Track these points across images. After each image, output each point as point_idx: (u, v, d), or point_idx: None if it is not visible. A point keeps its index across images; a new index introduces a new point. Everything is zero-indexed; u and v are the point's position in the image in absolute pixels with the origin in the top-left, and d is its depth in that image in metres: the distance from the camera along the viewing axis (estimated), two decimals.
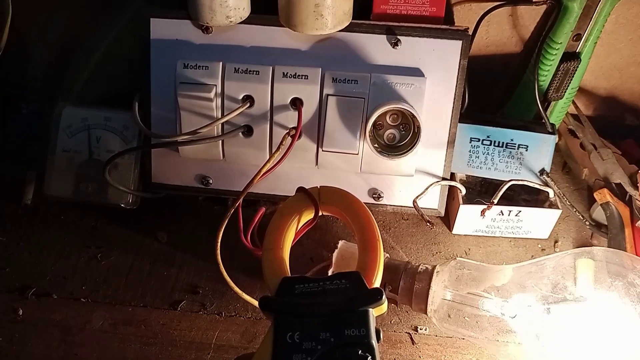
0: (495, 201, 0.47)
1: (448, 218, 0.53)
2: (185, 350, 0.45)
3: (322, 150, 0.47)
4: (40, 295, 0.48)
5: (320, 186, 0.39)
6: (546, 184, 0.49)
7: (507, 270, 0.42)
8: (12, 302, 0.47)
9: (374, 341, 0.32)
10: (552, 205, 0.50)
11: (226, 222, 0.43)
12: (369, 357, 0.31)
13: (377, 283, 0.36)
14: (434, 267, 0.44)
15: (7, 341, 0.45)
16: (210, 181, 0.51)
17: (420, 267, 0.44)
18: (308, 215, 0.39)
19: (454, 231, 0.52)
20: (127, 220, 0.53)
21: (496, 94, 0.57)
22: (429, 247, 0.52)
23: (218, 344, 0.45)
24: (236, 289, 0.43)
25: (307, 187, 0.40)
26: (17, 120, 0.62)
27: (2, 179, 0.56)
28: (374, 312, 0.33)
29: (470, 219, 0.51)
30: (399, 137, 0.47)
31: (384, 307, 0.34)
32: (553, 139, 0.49)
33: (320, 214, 0.39)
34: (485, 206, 0.49)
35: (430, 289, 0.43)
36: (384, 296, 0.33)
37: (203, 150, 0.48)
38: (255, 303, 0.45)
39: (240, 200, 0.43)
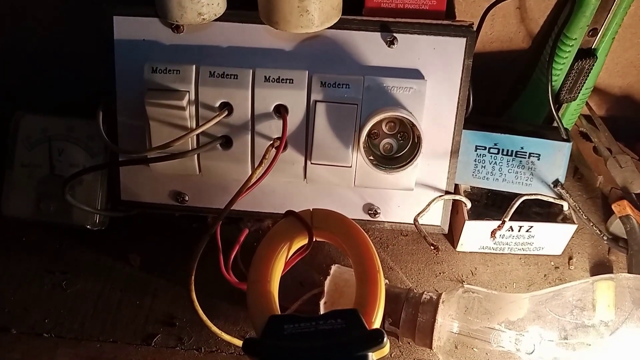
0: (507, 219, 0.42)
1: (452, 233, 0.48)
2: None
3: (311, 163, 0.42)
4: None
5: (312, 209, 0.34)
6: (561, 197, 0.44)
7: (523, 301, 0.37)
8: None
9: None
10: (567, 220, 0.45)
11: (203, 248, 0.38)
12: None
13: (377, 322, 0.31)
14: (439, 295, 0.39)
15: None
16: (187, 198, 0.46)
17: (424, 295, 0.39)
18: (299, 242, 0.34)
19: (459, 248, 0.47)
20: (95, 242, 0.48)
21: (501, 94, 0.52)
22: (431, 267, 0.47)
23: None
24: (215, 329, 0.38)
25: (297, 210, 0.35)
26: None
27: None
28: (374, 357, 0.29)
29: (476, 235, 0.46)
30: (396, 147, 0.42)
31: (385, 349, 0.29)
32: (568, 147, 0.44)
33: (314, 240, 0.34)
34: (494, 226, 0.44)
35: (435, 322, 0.38)
36: (385, 338, 0.29)
37: (177, 165, 0.42)
38: (238, 342, 0.40)
39: (219, 225, 0.38)
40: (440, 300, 0.38)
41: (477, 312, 0.37)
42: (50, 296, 0.45)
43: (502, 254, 0.47)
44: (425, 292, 0.40)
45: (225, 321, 0.43)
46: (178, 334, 0.43)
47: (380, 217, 0.46)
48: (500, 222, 0.42)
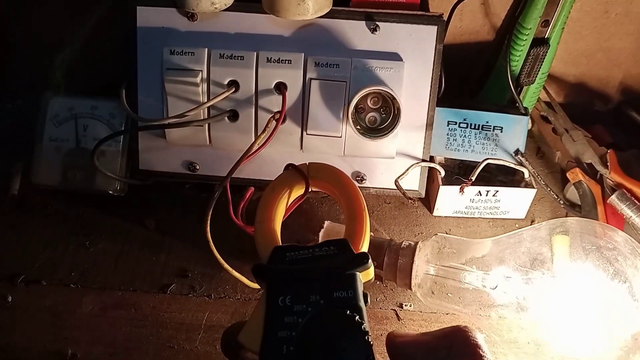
0: (473, 178, 0.49)
1: (428, 200, 0.55)
2: (176, 332, 0.45)
3: (307, 134, 0.49)
4: (29, 282, 0.48)
5: (308, 162, 0.41)
6: (521, 164, 0.51)
7: (487, 242, 0.44)
8: (1, 289, 0.48)
9: (361, 303, 0.33)
10: (528, 185, 0.52)
11: (215, 201, 0.44)
12: (357, 317, 0.32)
13: (364, 249, 0.37)
14: (416, 243, 0.46)
15: None
16: (197, 167, 0.52)
17: (404, 243, 0.46)
18: (298, 191, 0.40)
19: (435, 213, 0.54)
20: (114, 208, 0.54)
21: (472, 81, 0.59)
22: (410, 229, 0.54)
23: (208, 324, 0.46)
24: (225, 265, 0.45)
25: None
26: (1, 115, 0.62)
27: None
28: (361, 277, 0.34)
29: (449, 199, 0.52)
30: (379, 120, 0.49)
31: (370, 271, 0.35)
32: (526, 120, 0.51)
33: (310, 189, 0.40)
34: (463, 183, 0.51)
35: (413, 263, 0.44)
36: (370, 260, 0.34)
37: (190, 135, 0.49)
38: (245, 280, 0.46)
39: (229, 179, 0.44)
40: (417, 246, 0.45)
41: (448, 252, 0.44)
42: (76, 254, 0.51)
43: (473, 217, 0.54)
44: (404, 241, 0.46)
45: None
46: (190, 283, 0.49)
47: (367, 184, 0.52)
48: (468, 180, 0.48)
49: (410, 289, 0.45)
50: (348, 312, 0.32)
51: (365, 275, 0.35)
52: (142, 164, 0.52)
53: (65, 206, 0.54)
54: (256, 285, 0.47)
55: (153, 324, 0.46)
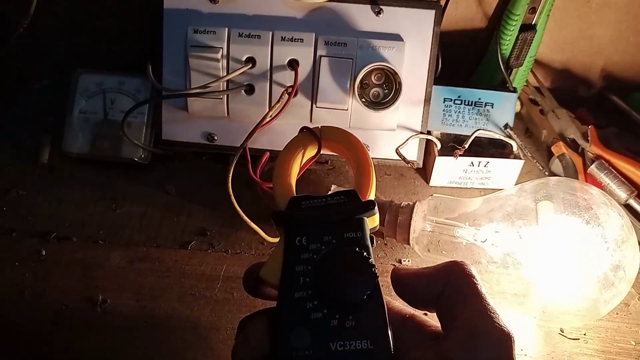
0: (466, 146, 0.54)
1: (425, 171, 0.60)
2: (196, 281, 0.50)
3: (316, 107, 0.54)
4: (61, 238, 0.53)
5: (321, 126, 0.46)
6: (509, 137, 0.56)
7: (477, 200, 0.49)
8: (35, 245, 0.52)
9: (368, 242, 0.37)
10: (516, 157, 0.57)
11: (235, 161, 0.49)
12: (364, 253, 0.37)
13: (370, 198, 0.41)
14: (414, 202, 0.51)
15: (33, 277, 0.50)
16: (216, 138, 0.57)
17: (403, 203, 0.51)
18: (311, 151, 0.45)
19: (431, 183, 0.59)
20: (138, 176, 0.59)
21: (466, 65, 0.64)
22: (409, 197, 0.59)
23: (226, 275, 0.51)
24: (244, 216, 0.49)
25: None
26: (29, 93, 0.67)
27: (18, 143, 0.61)
28: (367, 221, 0.39)
29: (445, 170, 0.57)
30: (382, 95, 0.54)
31: (375, 218, 0.40)
32: (515, 97, 0.57)
33: (322, 149, 0.45)
34: (461, 161, 0.56)
35: (411, 220, 0.49)
36: (375, 207, 0.39)
37: (209, 107, 0.54)
38: (260, 232, 0.51)
39: (248, 142, 0.49)
40: (415, 205, 0.50)
41: (443, 208, 0.49)
42: (103, 215, 0.55)
43: (466, 187, 0.59)
44: (403, 202, 0.51)
45: (247, 231, 0.54)
46: (209, 240, 0.53)
47: (370, 154, 0.57)
48: (461, 147, 0.53)
49: (409, 244, 0.50)
50: (357, 249, 0.37)
51: (371, 222, 0.40)
52: (165, 134, 0.57)
53: (92, 174, 0.59)
54: (270, 239, 0.52)
55: (175, 274, 0.50)
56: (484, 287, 0.34)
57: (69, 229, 0.54)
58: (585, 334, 0.48)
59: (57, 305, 0.48)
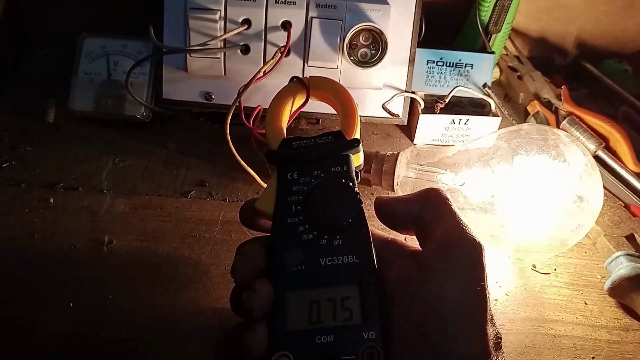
0: (447, 100, 0.58)
1: (410, 130, 0.64)
2: (196, 225, 0.54)
3: (308, 65, 0.58)
4: (67, 188, 0.56)
5: (309, 76, 0.49)
6: (488, 95, 0.60)
7: (456, 146, 0.53)
8: (43, 194, 0.55)
9: (353, 175, 0.41)
10: (494, 114, 0.61)
11: (233, 109, 0.53)
12: (350, 184, 0.40)
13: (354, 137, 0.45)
14: (399, 152, 0.55)
15: (42, 222, 0.53)
16: (213, 97, 0.61)
17: (388, 152, 0.55)
18: (300, 100, 0.49)
19: (415, 141, 0.63)
20: (140, 134, 0.62)
21: (448, 33, 0.68)
22: None
23: (224, 220, 0.54)
24: (242, 161, 0.53)
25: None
26: (34, 60, 0.71)
27: (25, 106, 0.65)
28: (353, 158, 0.43)
29: (428, 128, 0.62)
30: (370, 55, 0.58)
31: (360, 156, 0.43)
32: (493, 57, 0.61)
33: (310, 98, 0.49)
34: (442, 119, 0.60)
35: (396, 166, 0.53)
36: (360, 145, 0.43)
37: (208, 66, 0.58)
38: (256, 176, 0.54)
39: (243, 93, 0.53)
40: (399, 154, 0.54)
41: (425, 154, 0.53)
42: (107, 168, 0.59)
43: (448, 145, 0.63)
44: (388, 152, 0.55)
45: (243, 183, 0.58)
46: (208, 190, 0.57)
47: (359, 112, 0.61)
48: (442, 101, 0.58)
49: (394, 190, 0.54)
50: (343, 180, 0.41)
51: (356, 159, 0.44)
52: (165, 93, 0.61)
53: (96, 131, 0.62)
54: (265, 184, 0.55)
55: (177, 219, 0.54)
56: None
57: (75, 180, 0.57)
58: (555, 269, 0.53)
59: (66, 245, 0.51)
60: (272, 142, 0.44)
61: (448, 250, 0.36)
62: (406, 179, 0.53)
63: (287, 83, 0.50)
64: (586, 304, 0.51)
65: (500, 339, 0.37)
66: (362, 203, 0.39)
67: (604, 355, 0.47)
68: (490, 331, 0.36)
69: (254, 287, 0.35)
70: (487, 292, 0.36)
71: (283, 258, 0.37)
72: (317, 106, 0.58)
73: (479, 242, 0.36)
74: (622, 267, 0.50)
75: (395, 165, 0.53)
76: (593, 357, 0.47)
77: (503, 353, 0.37)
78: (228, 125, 0.52)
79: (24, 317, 0.45)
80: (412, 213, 0.39)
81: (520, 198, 0.48)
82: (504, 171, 0.50)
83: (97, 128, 0.62)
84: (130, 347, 0.44)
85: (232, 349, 0.39)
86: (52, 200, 0.55)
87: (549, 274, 0.52)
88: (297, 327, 0.35)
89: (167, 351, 0.44)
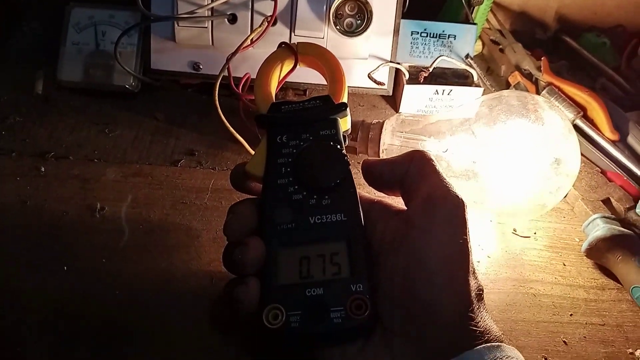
0: (431, 69, 0.59)
1: (395, 101, 0.65)
2: (187, 192, 0.55)
3: (294, 35, 0.59)
4: (58, 157, 0.57)
5: (297, 42, 0.50)
6: (470, 66, 0.62)
7: (439, 114, 0.54)
8: (34, 162, 0.56)
9: (341, 138, 0.42)
10: (476, 85, 0.63)
11: (221, 77, 0.54)
12: (338, 146, 0.42)
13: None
14: (384, 120, 0.56)
15: (34, 189, 0.54)
16: (201, 67, 0.61)
17: (374, 121, 0.56)
18: (289, 65, 0.50)
19: (400, 111, 0.64)
20: (129, 104, 0.63)
21: (432, 6, 0.70)
22: None
23: (214, 188, 0.55)
24: (230, 127, 0.54)
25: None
26: (22, 33, 0.70)
27: (13, 78, 0.65)
28: (340, 122, 0.44)
29: (413, 98, 0.63)
30: (355, 25, 0.59)
31: (347, 120, 0.45)
32: (475, 28, 0.62)
33: (298, 64, 0.50)
34: (426, 89, 0.61)
35: (381, 134, 0.55)
36: (347, 109, 0.44)
37: (195, 35, 0.58)
38: (245, 143, 0.56)
39: (231, 59, 0.54)
40: (384, 122, 0.55)
41: (409, 122, 0.54)
42: (97, 138, 0.59)
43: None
44: (374, 120, 0.57)
45: (232, 152, 0.59)
46: (198, 159, 0.58)
47: None
48: (426, 70, 0.59)
49: (379, 155, 0.55)
50: (331, 143, 0.42)
51: (344, 123, 0.45)
52: (153, 63, 0.61)
53: (85, 102, 0.63)
54: (252, 151, 0.57)
55: (167, 187, 0.55)
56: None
57: (65, 149, 0.58)
58: (535, 233, 0.55)
59: (58, 212, 0.52)
60: (261, 107, 0.45)
61: (432, 206, 0.37)
62: (391, 147, 0.55)
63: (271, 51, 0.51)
64: (565, 265, 0.53)
65: (482, 290, 0.39)
66: (349, 164, 0.40)
67: (581, 312, 0.49)
68: (472, 283, 0.37)
69: (246, 243, 0.37)
70: (469, 245, 0.37)
71: (274, 217, 0.38)
72: (305, 76, 0.60)
73: (461, 199, 0.38)
74: (598, 228, 0.52)
75: (380, 133, 0.55)
76: (571, 314, 0.49)
77: (485, 304, 0.39)
78: (217, 91, 0.53)
79: (17, 282, 0.46)
80: (397, 174, 0.40)
81: (500, 163, 0.50)
82: (485, 137, 0.51)
83: (86, 99, 0.63)
84: (124, 309, 0.46)
85: (225, 302, 0.40)
86: (43, 169, 0.55)
87: (529, 237, 0.54)
88: (288, 281, 0.36)
89: (161, 312, 0.45)
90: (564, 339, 0.47)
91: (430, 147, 0.54)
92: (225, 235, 0.38)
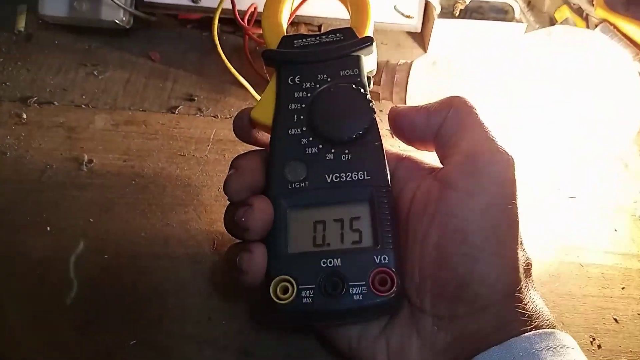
0: (467, 2, 0.51)
1: (423, 40, 0.57)
2: (185, 143, 0.48)
3: None
4: (42, 103, 0.50)
5: None
6: None
7: (478, 50, 0.46)
8: (16, 109, 0.50)
9: (365, 80, 0.36)
10: (518, 21, 0.55)
11: (222, 4, 0.46)
12: (361, 89, 0.35)
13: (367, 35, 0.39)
14: (412, 61, 0.48)
15: (15, 139, 0.47)
16: None
17: (400, 61, 0.49)
18: None
19: (429, 51, 0.57)
20: (120, 42, 0.56)
21: None
22: None
23: (216, 138, 0.49)
24: (232, 69, 0.47)
25: None
26: None
27: None
28: (364, 60, 0.37)
29: (444, 36, 0.55)
30: None
31: (373, 58, 0.38)
32: None
33: None
34: (459, 23, 0.53)
35: (409, 77, 0.47)
36: (374, 44, 0.37)
37: None
38: (249, 87, 0.49)
39: None
40: (412, 62, 0.48)
41: (441, 64, 0.46)
42: (85, 81, 0.53)
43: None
44: (400, 60, 0.49)
45: (237, 98, 0.52)
46: (197, 105, 0.51)
47: None
48: (462, 1, 0.51)
49: (405, 102, 0.48)
50: (353, 86, 0.35)
51: (369, 62, 0.38)
52: None
53: (72, 40, 0.56)
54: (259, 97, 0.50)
55: (163, 137, 0.49)
56: None
57: (49, 94, 0.51)
58: (581, 193, 0.48)
59: (41, 165, 0.46)
60: (270, 41, 0.38)
61: (475, 165, 0.31)
62: (421, 93, 0.47)
63: None
64: (616, 230, 0.46)
65: (530, 265, 0.33)
66: (375, 112, 0.34)
67: (635, 285, 0.43)
68: (521, 255, 0.31)
69: (251, 203, 0.31)
70: (518, 211, 0.31)
71: (284, 173, 0.33)
72: (320, 8, 0.52)
73: (511, 156, 0.31)
74: None
75: (408, 76, 0.47)
76: (623, 288, 0.43)
77: (532, 281, 0.32)
78: (216, 24, 0.46)
79: None
80: (433, 124, 0.34)
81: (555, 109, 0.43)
82: (530, 80, 0.44)
83: (73, 36, 0.56)
84: (114, 274, 0.40)
85: (227, 271, 0.35)
86: (25, 116, 0.49)
87: (574, 197, 0.47)
88: (299, 250, 0.31)
89: (156, 279, 0.40)
90: (614, 316, 0.41)
91: (468, 93, 0.46)
92: (225, 194, 0.33)
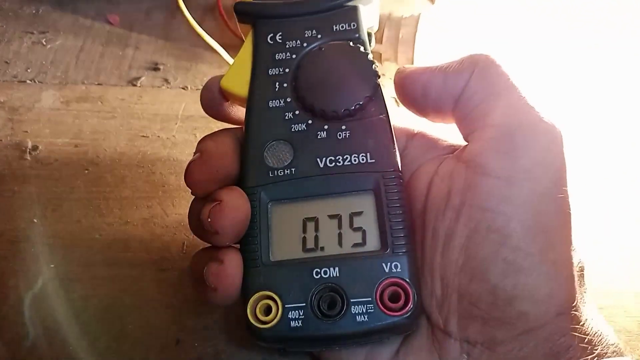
0: None
1: None
2: (149, 122, 0.40)
3: None
4: None
5: None
6: None
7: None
8: None
9: (365, 36, 0.28)
10: None
11: None
12: (361, 48, 0.27)
13: None
14: (419, 13, 0.40)
15: None
16: None
17: (405, 15, 0.40)
18: None
19: (436, 1, 0.48)
20: (74, 4, 0.47)
21: None
22: None
23: (185, 114, 0.41)
24: (201, 32, 0.39)
25: None
26: None
27: None
28: (363, 11, 0.29)
29: None
30: None
31: (374, 10, 0.30)
32: None
33: None
34: None
35: (416, 33, 0.39)
36: None
37: None
38: (222, 52, 0.40)
39: None
40: (419, 15, 0.39)
41: (456, 17, 0.38)
42: (31, 51, 0.45)
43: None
44: (405, 13, 0.40)
45: (211, 63, 0.44)
46: (163, 76, 0.43)
47: None
48: None
49: (413, 64, 0.40)
50: (350, 43, 0.27)
51: (369, 15, 0.30)
52: None
53: (16, 6, 0.47)
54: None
55: (123, 115, 0.41)
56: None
57: None
58: None
59: None
60: None
61: (513, 141, 0.24)
62: (431, 50, 0.39)
63: None
64: None
65: (583, 269, 0.25)
66: (379, 76, 0.27)
67: None
68: (575, 258, 0.24)
69: (221, 198, 0.24)
70: (569, 201, 0.23)
71: (263, 158, 0.26)
72: None
73: (558, 129, 0.24)
74: None
75: (416, 31, 0.39)
76: None
77: (586, 289, 0.25)
78: None
79: None
80: (452, 89, 0.26)
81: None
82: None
83: (18, 2, 0.47)
84: (65, 288, 0.33)
85: (194, 285, 0.28)
86: None
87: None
88: (285, 257, 0.25)
89: (114, 291, 0.33)
90: None
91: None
92: (188, 186, 0.26)
